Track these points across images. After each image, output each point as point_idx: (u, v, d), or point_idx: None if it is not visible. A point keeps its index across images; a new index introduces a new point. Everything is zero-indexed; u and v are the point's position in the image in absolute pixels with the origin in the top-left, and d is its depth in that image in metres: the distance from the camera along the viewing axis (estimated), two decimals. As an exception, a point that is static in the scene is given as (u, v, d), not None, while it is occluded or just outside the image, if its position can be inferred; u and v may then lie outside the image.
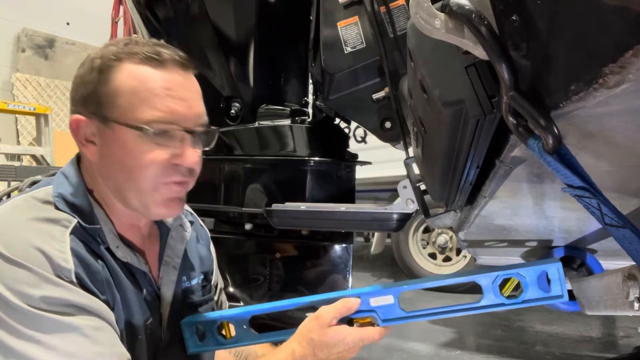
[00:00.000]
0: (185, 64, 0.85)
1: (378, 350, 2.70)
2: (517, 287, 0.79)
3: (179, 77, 0.83)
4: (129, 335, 0.83)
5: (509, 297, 0.79)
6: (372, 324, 0.87)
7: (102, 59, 0.82)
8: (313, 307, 0.88)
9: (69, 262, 0.75)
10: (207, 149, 0.90)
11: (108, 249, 0.83)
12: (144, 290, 0.88)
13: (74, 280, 0.75)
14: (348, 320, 0.86)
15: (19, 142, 6.37)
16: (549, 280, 0.76)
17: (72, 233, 0.79)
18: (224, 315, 0.96)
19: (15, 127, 6.45)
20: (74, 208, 0.82)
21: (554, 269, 0.76)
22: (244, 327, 0.94)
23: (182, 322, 0.94)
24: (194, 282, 1.00)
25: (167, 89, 0.81)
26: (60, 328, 0.72)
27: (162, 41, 0.89)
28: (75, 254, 0.76)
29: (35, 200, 0.82)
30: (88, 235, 0.81)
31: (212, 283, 1.09)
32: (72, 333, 0.72)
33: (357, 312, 0.86)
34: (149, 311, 0.88)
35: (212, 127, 0.89)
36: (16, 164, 5.40)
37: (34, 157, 5.71)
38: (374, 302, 0.85)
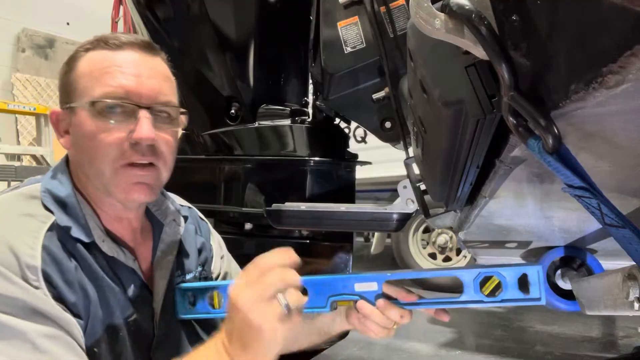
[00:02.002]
0: (146, 47, 0.86)
1: (378, 350, 2.70)
2: (498, 287, 0.81)
3: (135, 56, 0.84)
4: (108, 333, 0.82)
5: (488, 295, 0.80)
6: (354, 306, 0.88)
7: (73, 53, 0.85)
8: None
9: (36, 259, 0.74)
10: (180, 129, 0.89)
11: (92, 244, 0.82)
12: (131, 287, 0.87)
13: (40, 277, 0.73)
14: (331, 304, 0.87)
15: (19, 142, 6.37)
16: (528, 283, 0.78)
17: (50, 230, 0.78)
18: (215, 285, 0.97)
19: (15, 127, 6.45)
20: (60, 203, 0.82)
21: (534, 272, 0.78)
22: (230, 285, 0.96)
23: (176, 286, 0.95)
24: (190, 275, 1.00)
25: (118, 66, 0.82)
26: (8, 330, 0.69)
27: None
28: (47, 250, 0.75)
29: (19, 196, 0.82)
30: (65, 233, 0.80)
31: (212, 273, 1.08)
32: (19, 338, 0.69)
33: (341, 294, 0.86)
34: (133, 308, 0.86)
35: (173, 105, 0.87)
36: (16, 164, 5.41)
37: (34, 157, 5.71)
38: (358, 287, 0.87)
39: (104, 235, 0.84)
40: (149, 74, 0.84)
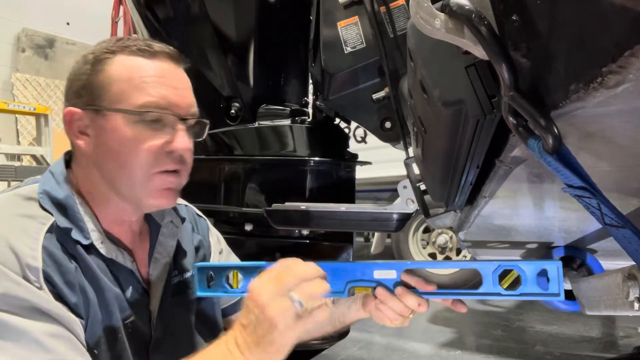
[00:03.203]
0: (176, 57, 0.87)
1: (378, 350, 2.70)
2: (516, 282, 0.81)
3: (171, 67, 0.85)
4: (107, 334, 0.82)
5: (506, 288, 0.81)
6: (372, 293, 0.90)
7: (94, 54, 0.84)
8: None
9: (37, 260, 0.74)
10: (198, 139, 0.91)
11: (91, 246, 0.82)
12: (129, 289, 0.87)
13: (41, 278, 0.73)
14: (349, 289, 0.88)
15: (19, 142, 6.37)
16: (548, 279, 0.78)
17: (49, 231, 0.78)
18: (235, 265, 0.98)
19: (15, 127, 6.45)
20: (57, 204, 0.81)
21: (554, 268, 0.78)
22: (252, 279, 0.97)
23: (196, 265, 0.96)
24: (188, 275, 1.00)
25: (159, 77, 0.83)
26: (14, 330, 0.69)
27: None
28: (47, 252, 0.75)
29: (18, 197, 0.82)
30: (64, 234, 0.79)
31: None
32: (25, 337, 0.69)
33: (359, 280, 0.88)
34: (131, 310, 0.87)
35: (203, 119, 0.91)
36: (16, 164, 5.41)
37: (34, 157, 5.72)
38: (377, 274, 0.88)
39: (103, 237, 0.84)
40: (184, 85, 0.87)
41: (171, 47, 0.88)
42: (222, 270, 0.97)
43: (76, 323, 0.76)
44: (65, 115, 0.85)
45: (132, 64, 0.83)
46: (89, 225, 0.83)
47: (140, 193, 0.84)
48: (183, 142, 0.84)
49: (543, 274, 0.79)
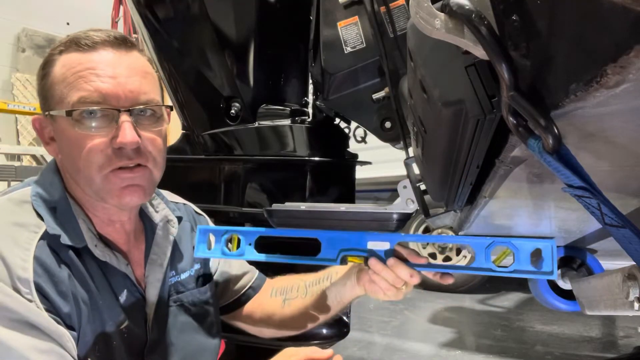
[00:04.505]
0: (119, 43, 0.81)
1: (378, 350, 2.70)
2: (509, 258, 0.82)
3: (110, 55, 0.79)
4: (101, 341, 0.80)
5: (499, 266, 0.81)
6: (364, 263, 0.91)
7: (46, 55, 0.82)
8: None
9: (27, 271, 0.72)
10: (159, 127, 0.84)
11: (85, 250, 0.81)
12: (124, 293, 0.86)
13: (33, 290, 0.72)
14: (342, 258, 0.88)
15: (19, 142, 6.36)
16: (541, 258, 0.78)
17: (42, 238, 0.76)
18: (235, 229, 1.00)
19: (15, 127, 6.45)
20: (51, 208, 0.80)
21: (548, 246, 0.77)
22: (250, 244, 0.98)
23: (198, 227, 0.98)
24: (185, 275, 0.99)
25: (92, 69, 0.77)
26: (1, 345, 0.68)
27: (113, 29, 0.85)
28: (39, 262, 0.74)
29: (10, 202, 0.80)
30: (57, 240, 0.78)
31: (211, 268, 1.09)
32: (12, 353, 0.68)
33: (353, 249, 0.88)
34: (125, 314, 0.85)
35: (155, 104, 0.83)
36: (16, 164, 5.41)
37: (34, 157, 5.71)
38: (371, 245, 0.89)
39: (97, 240, 0.83)
40: (127, 72, 0.80)
41: (117, 33, 0.82)
42: (222, 232, 0.98)
43: (67, 337, 0.74)
44: (33, 124, 0.84)
45: (70, 61, 0.78)
46: (83, 227, 0.81)
47: (103, 194, 0.81)
48: (128, 135, 0.77)
49: (536, 252, 0.78)
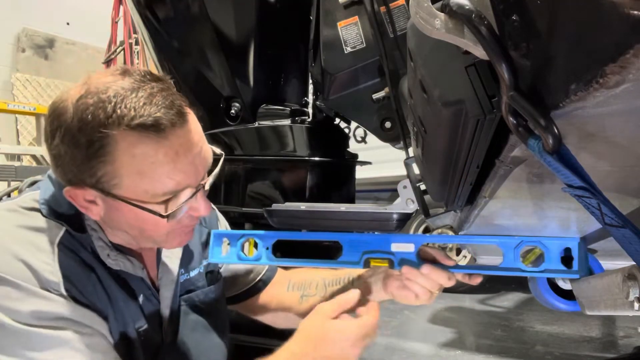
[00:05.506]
0: (179, 115, 0.73)
1: (378, 350, 2.70)
2: (538, 260, 0.80)
3: (181, 139, 0.73)
4: (124, 345, 0.81)
5: (528, 265, 0.79)
6: (389, 267, 0.88)
7: (84, 132, 0.69)
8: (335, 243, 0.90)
9: (56, 275, 0.73)
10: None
11: (99, 258, 0.81)
12: (141, 296, 0.86)
13: (64, 293, 0.73)
14: (365, 260, 0.86)
15: (19, 142, 6.36)
16: (570, 258, 0.76)
17: (60, 243, 0.76)
18: (250, 233, 0.97)
19: (15, 127, 6.44)
20: (61, 215, 0.79)
21: (575, 245, 0.76)
22: (267, 248, 0.95)
23: (212, 232, 0.96)
24: (194, 272, 0.99)
25: (172, 160, 0.72)
26: (52, 343, 0.69)
27: (149, 74, 0.75)
28: (63, 266, 0.74)
29: (20, 208, 0.79)
30: (77, 243, 0.78)
31: (219, 263, 1.09)
32: (64, 347, 0.70)
33: (376, 252, 0.86)
34: (143, 317, 0.86)
35: (217, 156, 0.84)
36: (16, 164, 5.40)
37: (34, 157, 5.71)
38: (395, 247, 0.86)
39: (109, 249, 0.82)
40: (197, 149, 0.76)
41: (175, 100, 0.73)
42: (237, 237, 0.95)
43: (102, 325, 0.77)
44: (66, 194, 0.75)
45: (139, 151, 0.70)
46: (94, 236, 0.81)
47: (162, 244, 0.85)
48: (204, 207, 0.80)
49: (564, 251, 0.77)
